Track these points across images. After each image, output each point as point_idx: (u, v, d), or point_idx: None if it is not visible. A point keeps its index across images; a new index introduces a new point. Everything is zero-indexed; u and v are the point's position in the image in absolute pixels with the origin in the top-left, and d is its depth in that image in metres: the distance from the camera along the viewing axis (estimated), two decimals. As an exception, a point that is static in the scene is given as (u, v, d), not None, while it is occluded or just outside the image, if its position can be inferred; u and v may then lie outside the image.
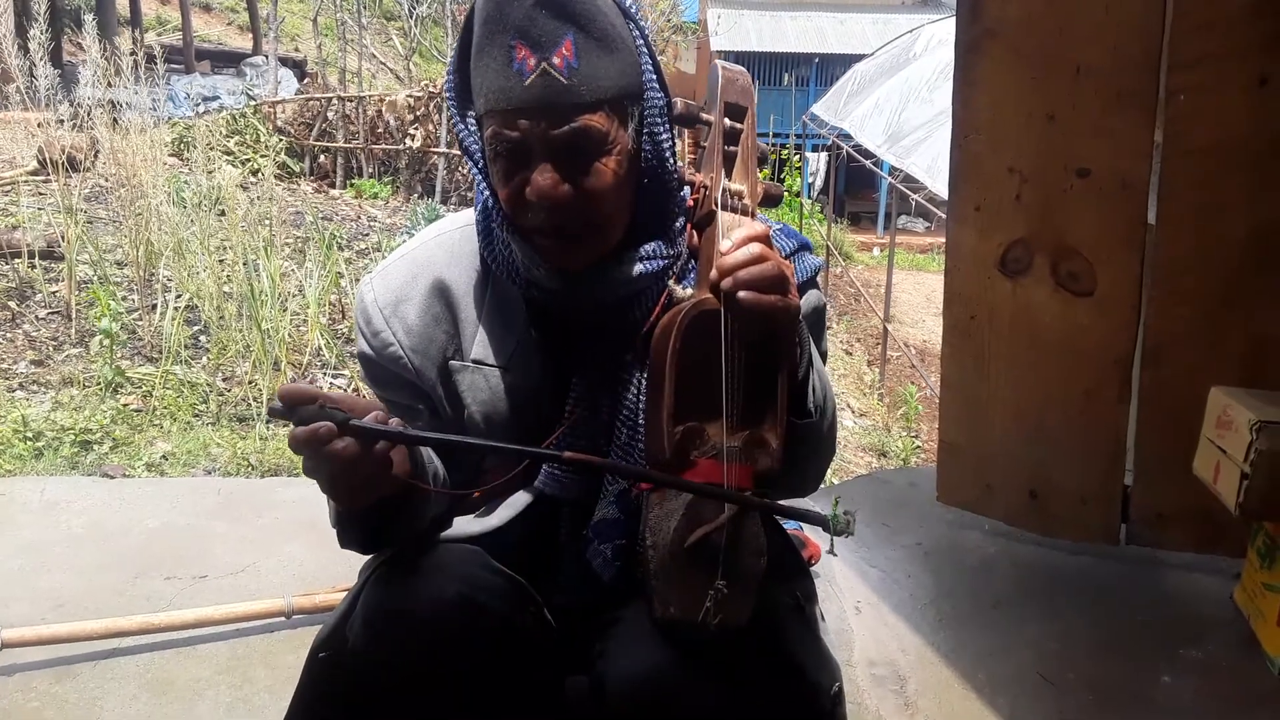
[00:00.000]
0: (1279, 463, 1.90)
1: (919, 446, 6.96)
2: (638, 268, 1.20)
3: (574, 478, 1.25)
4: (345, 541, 1.18)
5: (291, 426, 0.99)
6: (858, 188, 18.34)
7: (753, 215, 1.20)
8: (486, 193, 1.20)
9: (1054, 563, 2.50)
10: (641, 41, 1.16)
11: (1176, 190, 2.19)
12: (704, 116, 1.21)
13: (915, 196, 9.20)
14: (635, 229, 1.21)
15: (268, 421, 4.46)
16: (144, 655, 1.99)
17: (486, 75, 1.11)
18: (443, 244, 1.30)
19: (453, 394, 1.26)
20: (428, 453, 1.26)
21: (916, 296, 12.26)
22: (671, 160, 1.19)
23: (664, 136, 1.18)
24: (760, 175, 1.25)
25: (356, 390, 4.66)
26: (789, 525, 2.47)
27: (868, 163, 11.27)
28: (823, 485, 2.82)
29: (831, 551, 0.95)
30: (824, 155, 16.63)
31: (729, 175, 1.21)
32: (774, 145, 17.19)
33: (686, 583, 1.07)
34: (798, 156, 16.56)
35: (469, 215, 1.29)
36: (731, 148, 1.21)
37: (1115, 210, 2.25)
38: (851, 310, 11.68)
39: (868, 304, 11.19)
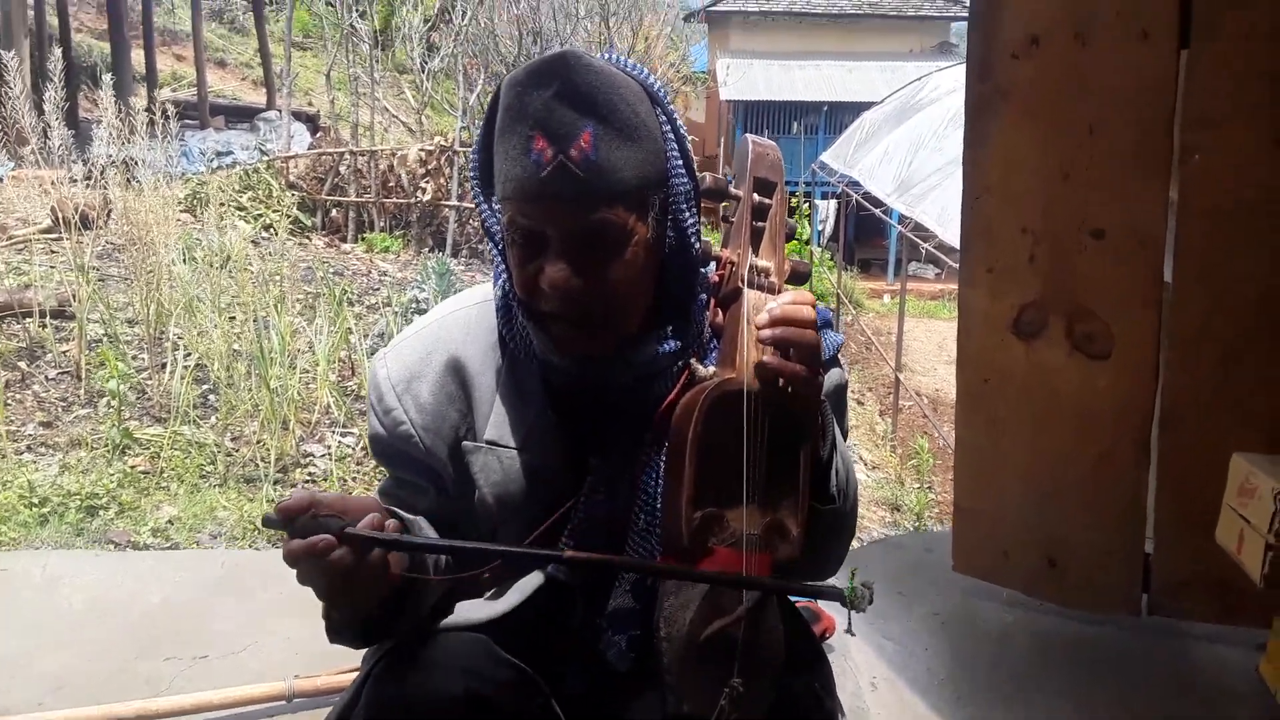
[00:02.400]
0: (1306, 534, 1.84)
1: (933, 500, 6.88)
2: (658, 349, 1.17)
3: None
4: (336, 638, 1.14)
5: (286, 537, 0.97)
6: (867, 235, 18.34)
7: (779, 293, 1.17)
8: (505, 273, 1.18)
9: (1074, 634, 2.43)
10: (669, 126, 1.14)
11: (1192, 250, 2.15)
12: (733, 191, 1.19)
13: (925, 245, 9.18)
14: (657, 310, 1.18)
15: (275, 483, 4.44)
16: (139, 741, 1.94)
17: (506, 162, 1.09)
18: (459, 320, 1.27)
19: (464, 474, 1.23)
20: (431, 529, 1.23)
21: (928, 345, 12.20)
22: (696, 242, 1.16)
23: (689, 221, 1.15)
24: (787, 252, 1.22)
25: (365, 450, 4.62)
26: (800, 599, 2.42)
27: (877, 211, 11.27)
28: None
29: (849, 631, 0.91)
30: (833, 203, 16.66)
31: (756, 251, 1.18)
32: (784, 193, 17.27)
33: (702, 678, 1.04)
34: (807, 205, 16.61)
35: (485, 290, 1.27)
36: (760, 223, 1.19)
37: (1131, 271, 2.21)
38: (863, 359, 11.64)
39: (879, 353, 11.15)
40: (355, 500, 1.04)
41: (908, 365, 10.39)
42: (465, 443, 1.22)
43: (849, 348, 12.07)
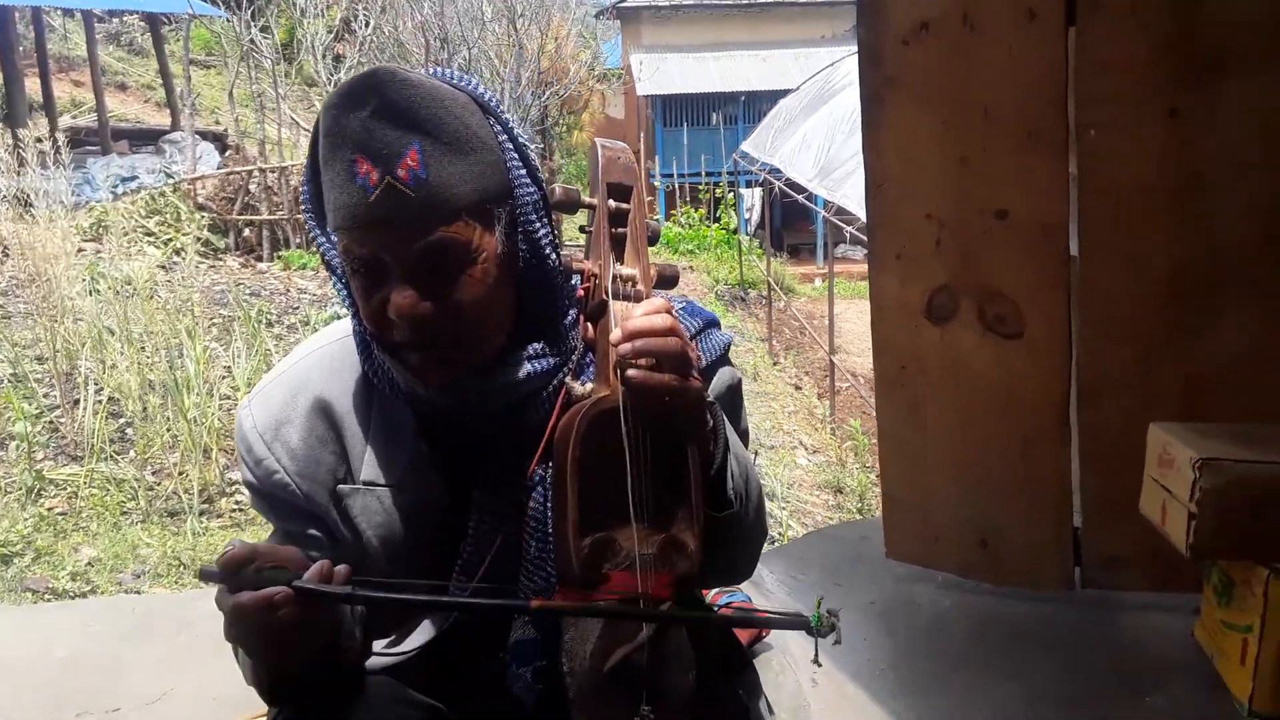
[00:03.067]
0: (1225, 499, 1.85)
1: (875, 480, 6.92)
2: (525, 369, 1.12)
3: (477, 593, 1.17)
4: (259, 687, 1.08)
5: (225, 591, 0.93)
6: (794, 220, 18.44)
7: (646, 299, 1.12)
8: (354, 307, 1.12)
9: (1010, 613, 2.43)
10: (505, 136, 1.08)
11: (1095, 227, 2.15)
12: (586, 201, 1.14)
13: (849, 228, 9.25)
14: (520, 329, 1.13)
15: (200, 515, 4.32)
16: (49, 809, 1.84)
17: (332, 191, 1.03)
18: (321, 359, 1.21)
19: (347, 519, 1.17)
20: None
21: (860, 325, 12.27)
22: (553, 255, 1.11)
23: (541, 232, 1.10)
24: (651, 255, 1.17)
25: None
26: (736, 598, 2.39)
27: (800, 197, 11.34)
28: (774, 547, 2.74)
29: (816, 661, 0.88)
30: (758, 191, 16.74)
31: (620, 259, 1.13)
32: (708, 184, 17.34)
33: (610, 710, 0.99)
34: (732, 194, 16.67)
35: (347, 325, 1.20)
36: (620, 230, 1.14)
37: (1037, 250, 2.20)
38: (797, 344, 11.70)
39: (812, 336, 11.22)
40: (288, 550, 1.00)
41: (841, 347, 10.46)
42: (341, 486, 1.16)
43: (783, 334, 12.13)
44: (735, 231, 15.47)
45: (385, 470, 1.16)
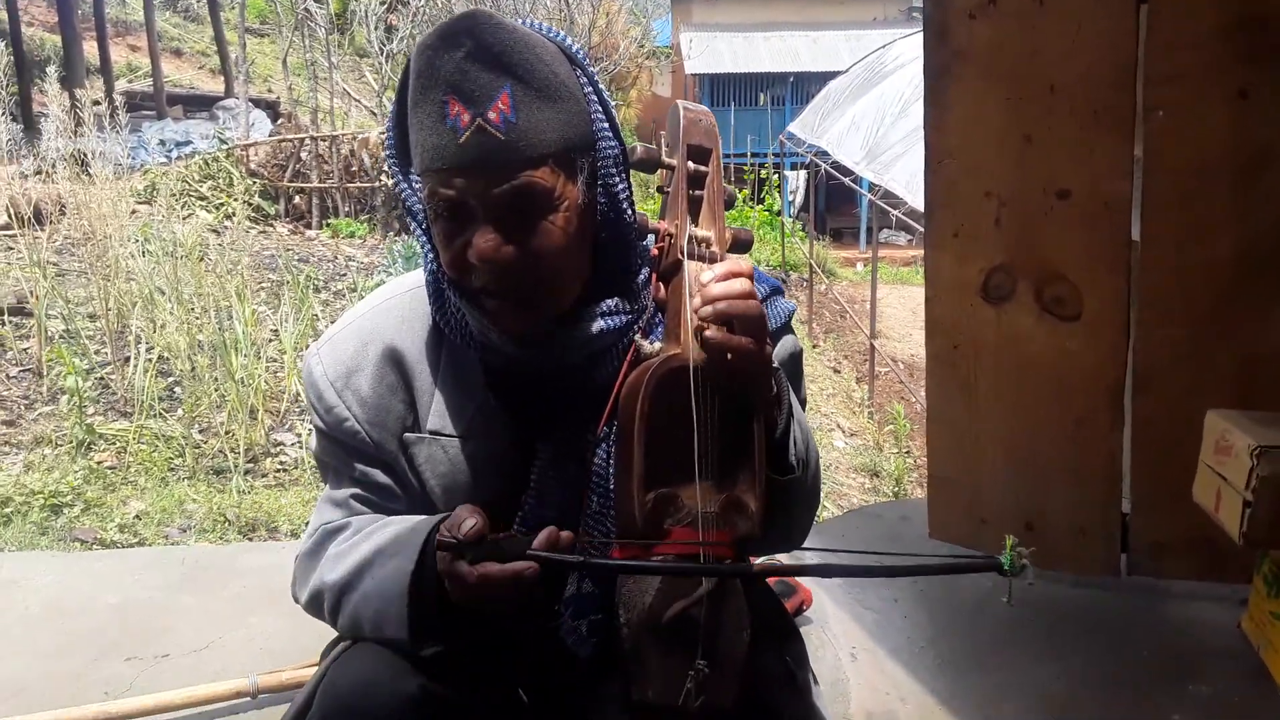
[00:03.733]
0: (1282, 489, 1.82)
1: (911, 465, 6.89)
2: (598, 325, 1.12)
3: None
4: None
5: (463, 562, 0.98)
6: (838, 204, 18.34)
7: (721, 262, 1.12)
8: (432, 254, 1.13)
9: (1053, 597, 2.41)
10: (590, 88, 1.09)
11: (1159, 209, 2.12)
12: (666, 161, 1.14)
13: (895, 212, 9.17)
14: (595, 284, 1.13)
15: (245, 473, 4.38)
16: (102, 747, 1.88)
17: (421, 132, 1.03)
18: (392, 309, 1.21)
19: (412, 467, 1.18)
20: None
21: (902, 311, 12.22)
22: (629, 211, 1.11)
23: (620, 187, 1.10)
24: (728, 219, 1.17)
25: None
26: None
27: (847, 180, 11.25)
28: (815, 521, 2.73)
29: (1008, 602, 0.89)
30: (803, 173, 16.63)
31: (695, 221, 1.13)
32: (753, 165, 17.23)
33: (665, 663, 1.00)
34: (777, 176, 16.56)
35: (418, 276, 1.21)
36: (697, 192, 1.14)
37: (1098, 231, 2.18)
38: (838, 328, 11.64)
39: (853, 320, 11.15)
40: (468, 508, 1.04)
41: (882, 332, 10.39)
42: (408, 435, 1.17)
43: (823, 317, 12.07)
44: (779, 213, 15.38)
45: (452, 420, 1.17)
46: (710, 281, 1.03)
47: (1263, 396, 2.10)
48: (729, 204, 1.17)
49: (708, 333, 1.00)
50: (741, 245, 1.16)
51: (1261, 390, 2.13)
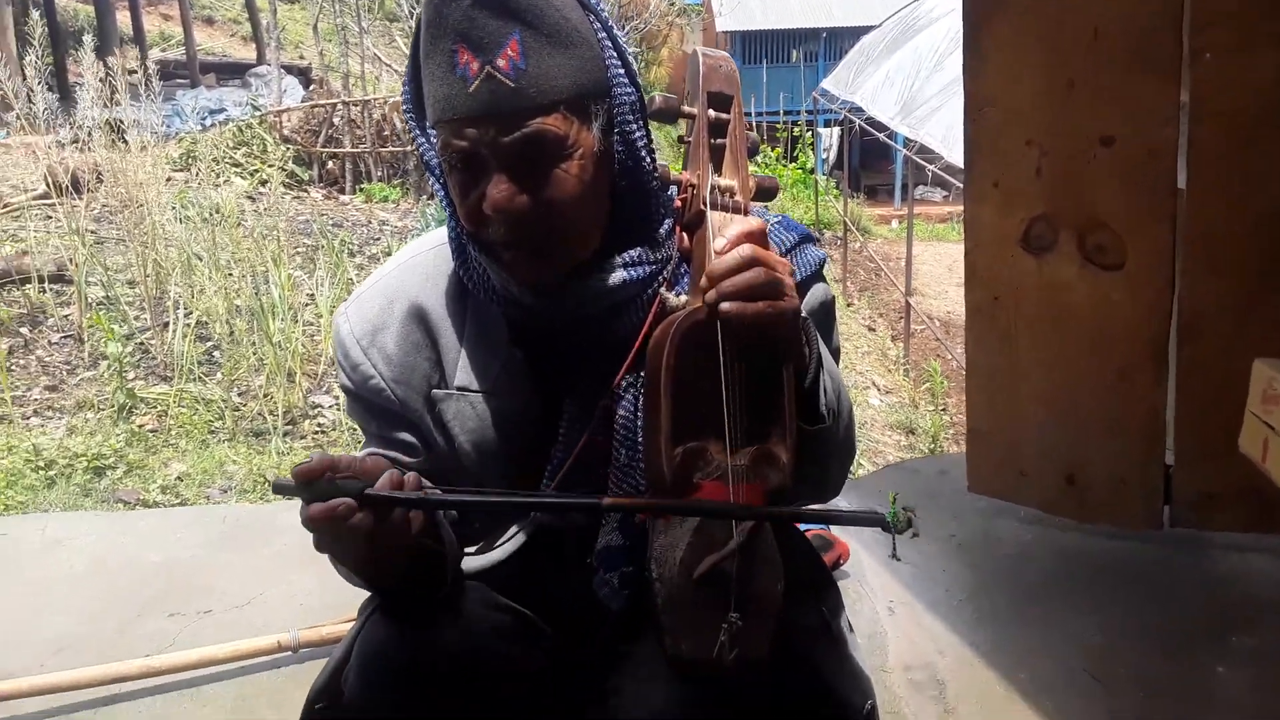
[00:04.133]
0: (1331, 438, 1.79)
1: (948, 422, 6.84)
2: (620, 275, 1.10)
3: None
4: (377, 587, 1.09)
5: (302, 504, 0.92)
6: (872, 161, 18.11)
7: (745, 211, 1.10)
8: (451, 209, 1.12)
9: (1094, 550, 2.40)
10: (604, 34, 1.06)
11: (1206, 155, 2.06)
12: (686, 109, 1.11)
13: (931, 167, 9.05)
14: (615, 234, 1.11)
15: (284, 435, 4.42)
16: (146, 699, 1.92)
17: (432, 83, 1.02)
18: (416, 267, 1.21)
19: (440, 424, 1.18)
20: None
21: (938, 268, 12.09)
22: (649, 160, 1.09)
23: (638, 134, 1.08)
24: (751, 167, 1.15)
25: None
26: (813, 525, 2.38)
27: (881, 135, 11.11)
28: (851, 478, 2.73)
29: (894, 556, 0.88)
30: (836, 130, 16.44)
31: (718, 170, 1.11)
32: (786, 122, 17.06)
33: (698, 617, 0.99)
34: (810, 133, 16.39)
35: (442, 234, 1.20)
36: (719, 140, 1.11)
37: (1142, 179, 2.12)
38: (872, 286, 11.55)
39: (888, 278, 11.05)
40: (371, 461, 0.99)
41: (918, 289, 10.29)
42: (436, 391, 1.17)
43: (858, 275, 11.97)
44: (812, 171, 15.23)
45: (479, 376, 1.16)
46: (720, 252, 0.98)
47: (1312, 346, 2.05)
48: (752, 152, 1.14)
49: (724, 308, 0.96)
50: (765, 193, 1.14)
51: (1311, 340, 2.08)
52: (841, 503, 2.57)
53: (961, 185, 2.55)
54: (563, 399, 1.15)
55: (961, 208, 2.74)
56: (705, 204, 1.07)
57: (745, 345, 1.01)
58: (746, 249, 0.98)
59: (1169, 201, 2.12)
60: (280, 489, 0.93)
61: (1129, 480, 2.33)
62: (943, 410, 7.17)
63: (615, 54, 1.07)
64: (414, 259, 1.22)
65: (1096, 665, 1.99)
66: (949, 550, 2.45)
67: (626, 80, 1.07)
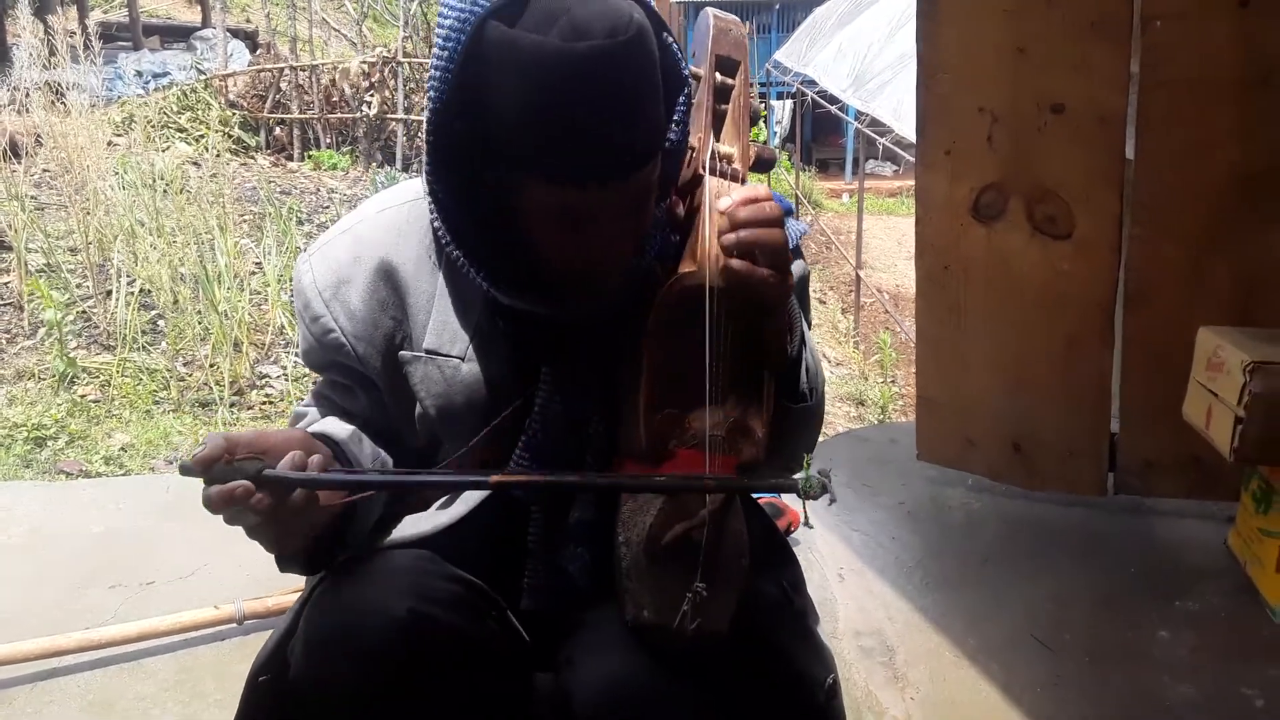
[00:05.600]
0: (1275, 405, 1.82)
1: (897, 393, 6.89)
2: (640, 264, 1.09)
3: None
4: (286, 568, 1.08)
5: (203, 486, 0.92)
6: (825, 134, 18.10)
7: (743, 181, 1.08)
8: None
9: (1041, 516, 2.42)
10: (666, 33, 1.02)
11: (1155, 124, 2.08)
12: (693, 71, 1.08)
13: (882, 140, 9.06)
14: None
15: (230, 406, 4.35)
16: (85, 674, 1.88)
17: (532, 134, 0.95)
18: (388, 221, 1.16)
19: (401, 386, 1.14)
20: (368, 442, 1.16)
21: (888, 241, 12.14)
22: (689, 138, 1.08)
23: (689, 119, 1.06)
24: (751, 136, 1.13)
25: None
26: (765, 494, 2.38)
27: (833, 108, 11.11)
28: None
29: (807, 524, 0.88)
30: (789, 103, 16.43)
31: (718, 136, 1.09)
32: (739, 95, 16.98)
33: (662, 584, 0.98)
34: (763, 105, 16.35)
35: (415, 187, 1.16)
36: (722, 106, 1.09)
37: (1092, 147, 2.14)
38: (824, 259, 11.58)
39: (839, 251, 11.09)
40: (277, 435, 0.98)
41: (868, 262, 10.34)
42: (403, 352, 1.13)
43: (809, 247, 12.00)
44: (765, 144, 15.23)
45: (450, 340, 1.12)
46: (735, 205, 0.98)
47: (1257, 315, 2.08)
48: (753, 121, 1.12)
49: (734, 262, 0.96)
50: (764, 164, 1.12)
51: (1256, 309, 2.11)
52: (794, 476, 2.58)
53: (912, 159, 2.55)
54: (539, 368, 1.12)
55: (912, 182, 2.75)
56: (704, 170, 1.05)
57: (733, 312, 1.00)
58: (775, 207, 0.98)
59: (1118, 170, 2.14)
60: (187, 472, 0.93)
61: (1075, 447, 2.36)
62: (892, 382, 7.22)
63: (677, 53, 1.04)
64: (385, 212, 1.17)
65: (1043, 630, 2.01)
66: (898, 517, 2.47)
67: (687, 75, 1.05)
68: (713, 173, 1.05)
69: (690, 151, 1.08)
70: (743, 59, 1.10)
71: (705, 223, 1.00)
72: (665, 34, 1.02)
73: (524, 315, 1.11)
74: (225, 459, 0.91)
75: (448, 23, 0.97)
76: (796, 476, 0.92)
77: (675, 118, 1.04)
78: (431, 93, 1.00)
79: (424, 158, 1.05)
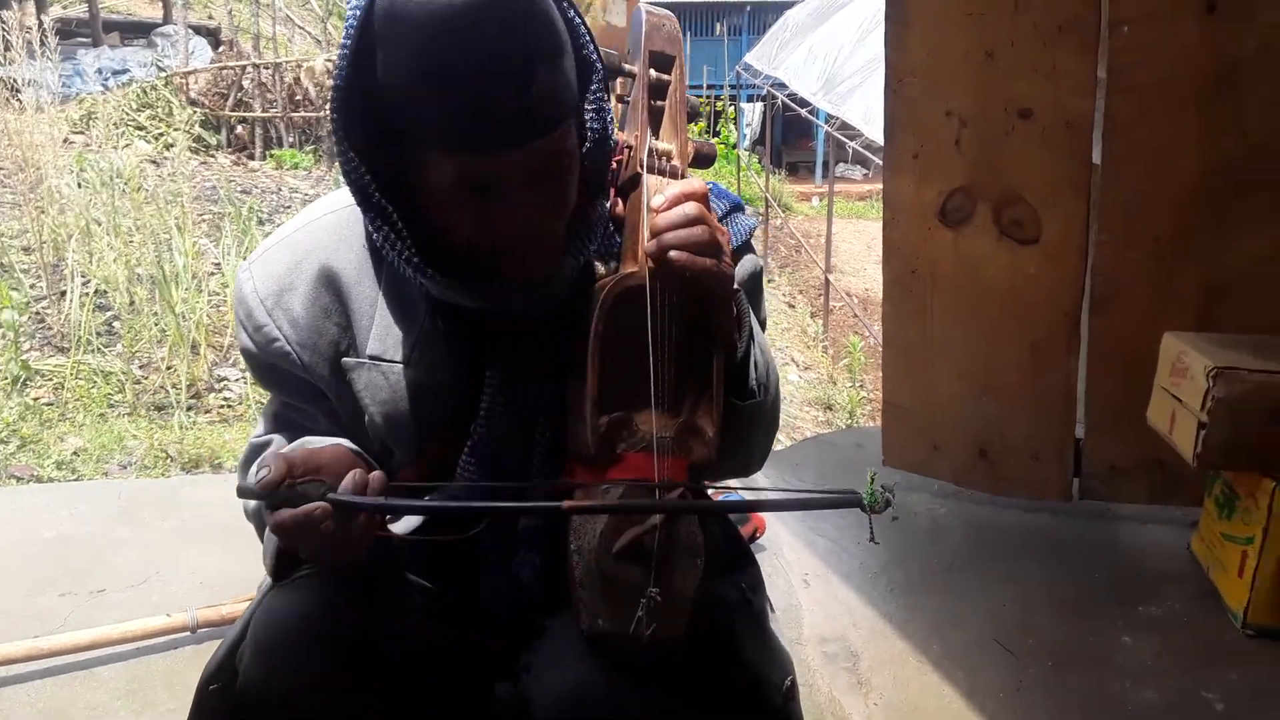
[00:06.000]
0: (1237, 410, 1.82)
1: (865, 398, 6.91)
2: (576, 260, 1.06)
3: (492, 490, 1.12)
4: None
5: (265, 507, 0.93)
6: (794, 137, 18.18)
7: (682, 177, 1.06)
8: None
9: (1006, 522, 2.42)
10: (574, 13, 1.00)
11: (1122, 128, 2.08)
12: (627, 68, 1.07)
13: (852, 144, 9.10)
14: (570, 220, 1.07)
15: (188, 409, 4.28)
16: (35, 683, 1.82)
17: (422, 108, 0.93)
18: (329, 226, 1.13)
19: (347, 394, 1.12)
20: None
21: (857, 245, 12.20)
22: (613, 127, 1.05)
23: (609, 106, 1.04)
24: (691, 132, 1.11)
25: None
26: (731, 498, 2.36)
27: (803, 111, 11.15)
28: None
29: (873, 540, 0.87)
30: (759, 105, 16.48)
31: (655, 133, 1.07)
32: (708, 97, 17.04)
33: (615, 591, 0.96)
34: (733, 108, 16.40)
35: None
36: (658, 102, 1.07)
37: (1059, 152, 2.14)
38: (793, 262, 11.61)
39: (809, 255, 11.13)
40: (325, 453, 0.97)
41: (837, 266, 10.37)
42: (346, 359, 1.11)
43: (779, 250, 12.03)
44: (735, 147, 15.25)
45: (394, 345, 1.10)
46: (669, 200, 0.97)
47: (1222, 320, 2.09)
48: (691, 116, 1.10)
49: (672, 254, 0.95)
50: (704, 159, 1.11)
51: (1221, 314, 2.12)
52: (761, 479, 2.56)
53: (881, 163, 2.55)
54: (484, 371, 1.10)
55: (880, 186, 2.75)
56: (642, 167, 1.03)
57: (678, 310, 0.98)
58: (692, 206, 0.96)
59: (1085, 174, 2.14)
60: (245, 494, 0.94)
61: (1040, 452, 2.36)
62: (860, 386, 7.24)
63: (586, 34, 1.01)
64: (325, 217, 1.15)
65: (1007, 635, 2.00)
66: (864, 523, 2.44)
67: (597, 57, 1.03)
68: (651, 170, 1.04)
69: (628, 150, 1.06)
70: (677, 54, 1.09)
71: (644, 222, 0.99)
72: (572, 13, 1.00)
73: (466, 315, 1.09)
74: (288, 481, 0.91)
75: (352, 2, 0.96)
76: (859, 493, 0.93)
77: (591, 103, 1.02)
78: (336, 75, 0.98)
79: (335, 145, 1.03)
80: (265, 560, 1.05)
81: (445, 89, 0.92)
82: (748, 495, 0.98)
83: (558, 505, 0.94)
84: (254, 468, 0.95)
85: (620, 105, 1.10)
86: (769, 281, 10.49)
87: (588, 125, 1.03)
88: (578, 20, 1.01)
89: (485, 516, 1.03)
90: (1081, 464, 2.36)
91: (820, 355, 8.30)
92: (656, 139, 1.07)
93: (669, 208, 0.96)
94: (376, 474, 0.95)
